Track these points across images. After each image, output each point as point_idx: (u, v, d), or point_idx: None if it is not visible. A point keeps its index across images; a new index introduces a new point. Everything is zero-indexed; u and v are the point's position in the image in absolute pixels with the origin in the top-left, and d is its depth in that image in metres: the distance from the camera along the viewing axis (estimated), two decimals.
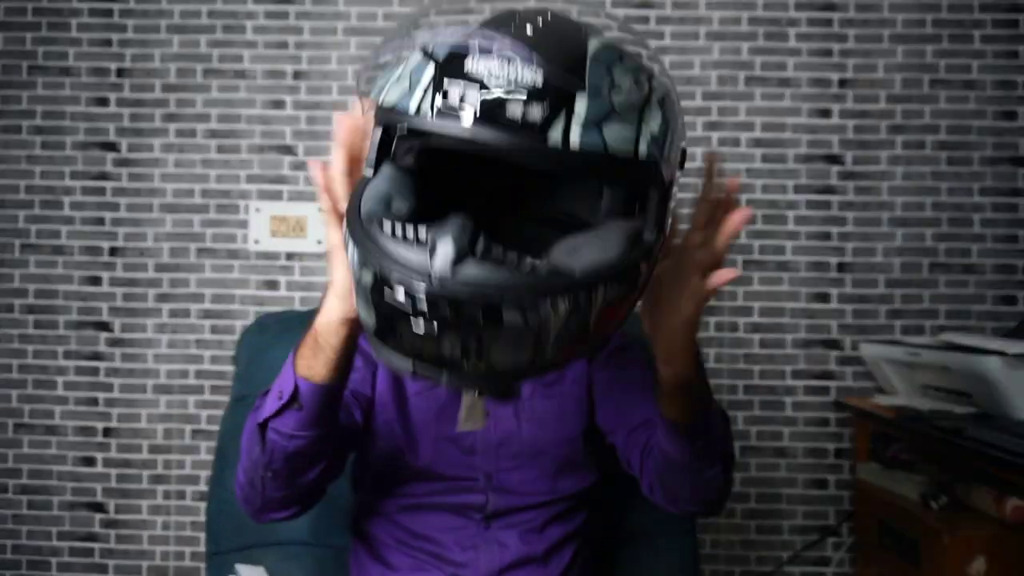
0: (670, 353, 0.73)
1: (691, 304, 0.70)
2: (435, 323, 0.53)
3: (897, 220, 1.79)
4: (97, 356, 1.80)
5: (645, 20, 1.80)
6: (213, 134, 1.82)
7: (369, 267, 0.56)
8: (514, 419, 0.97)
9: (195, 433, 1.79)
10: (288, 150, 1.82)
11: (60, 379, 1.80)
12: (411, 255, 0.54)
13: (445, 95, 0.54)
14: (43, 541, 1.79)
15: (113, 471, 1.79)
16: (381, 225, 0.58)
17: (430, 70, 0.56)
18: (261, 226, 1.80)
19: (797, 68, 1.80)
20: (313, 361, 0.76)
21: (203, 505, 1.75)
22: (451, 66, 0.55)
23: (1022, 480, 1.17)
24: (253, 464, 0.83)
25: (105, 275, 1.81)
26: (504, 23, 0.58)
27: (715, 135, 1.80)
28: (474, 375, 0.57)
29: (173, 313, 1.81)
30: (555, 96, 0.53)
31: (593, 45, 0.58)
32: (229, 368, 1.78)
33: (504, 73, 0.53)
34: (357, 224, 0.60)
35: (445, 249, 0.53)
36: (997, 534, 1.23)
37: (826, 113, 1.80)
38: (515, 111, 0.52)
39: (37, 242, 1.81)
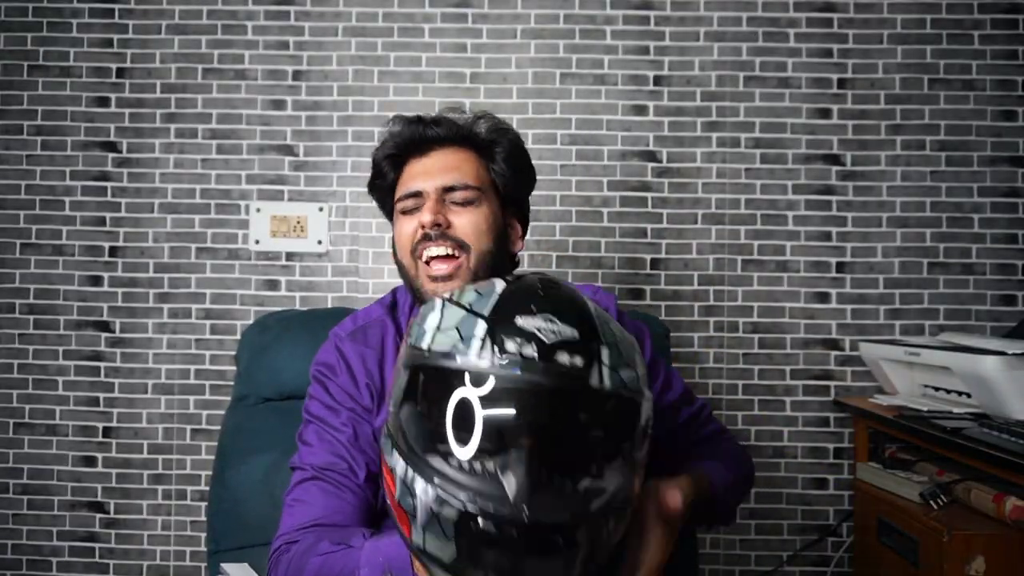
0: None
1: (661, 550, 0.77)
2: (518, 550, 0.60)
3: (896, 220, 1.79)
4: (97, 356, 1.81)
5: (645, 20, 1.80)
6: (213, 134, 1.82)
7: (452, 503, 0.60)
8: None
9: (195, 433, 1.79)
10: (288, 150, 1.82)
11: (60, 379, 1.80)
12: (488, 487, 0.60)
13: (503, 346, 0.62)
14: (43, 541, 1.79)
15: (113, 471, 1.79)
16: (447, 460, 0.63)
17: (482, 325, 0.65)
18: (261, 226, 1.81)
19: (797, 68, 1.80)
20: None
21: (203, 505, 1.75)
22: (504, 323, 0.64)
23: (1021, 480, 1.17)
24: None
25: (105, 275, 1.81)
26: (527, 292, 0.68)
27: (715, 135, 1.80)
28: None
29: (173, 313, 1.81)
30: (589, 347, 0.64)
31: (591, 306, 0.69)
32: (229, 368, 1.78)
33: (549, 327, 0.63)
34: (422, 463, 0.64)
35: (520, 481, 0.59)
36: (996, 534, 1.23)
37: (826, 113, 1.80)
38: (564, 359, 0.62)
39: (38, 242, 1.82)
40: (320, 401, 0.99)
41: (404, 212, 1.00)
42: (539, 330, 0.63)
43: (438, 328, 0.67)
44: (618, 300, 1.79)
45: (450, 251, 0.95)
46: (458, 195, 0.97)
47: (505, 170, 1.02)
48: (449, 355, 0.64)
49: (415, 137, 1.01)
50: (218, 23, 1.82)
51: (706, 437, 1.09)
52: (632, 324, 1.04)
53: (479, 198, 0.98)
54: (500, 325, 0.64)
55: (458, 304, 0.68)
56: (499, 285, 0.69)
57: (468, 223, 0.96)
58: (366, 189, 1.11)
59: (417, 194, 0.98)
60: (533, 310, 0.65)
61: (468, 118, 1.04)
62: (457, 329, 0.65)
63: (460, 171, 0.99)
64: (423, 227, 0.95)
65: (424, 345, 0.67)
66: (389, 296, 1.09)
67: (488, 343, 0.63)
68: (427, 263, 0.96)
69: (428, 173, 0.99)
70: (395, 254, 1.02)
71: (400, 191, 1.01)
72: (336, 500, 0.91)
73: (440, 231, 0.95)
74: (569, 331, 0.64)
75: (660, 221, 1.80)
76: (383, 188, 1.06)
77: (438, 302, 0.71)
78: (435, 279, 0.95)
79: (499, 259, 0.99)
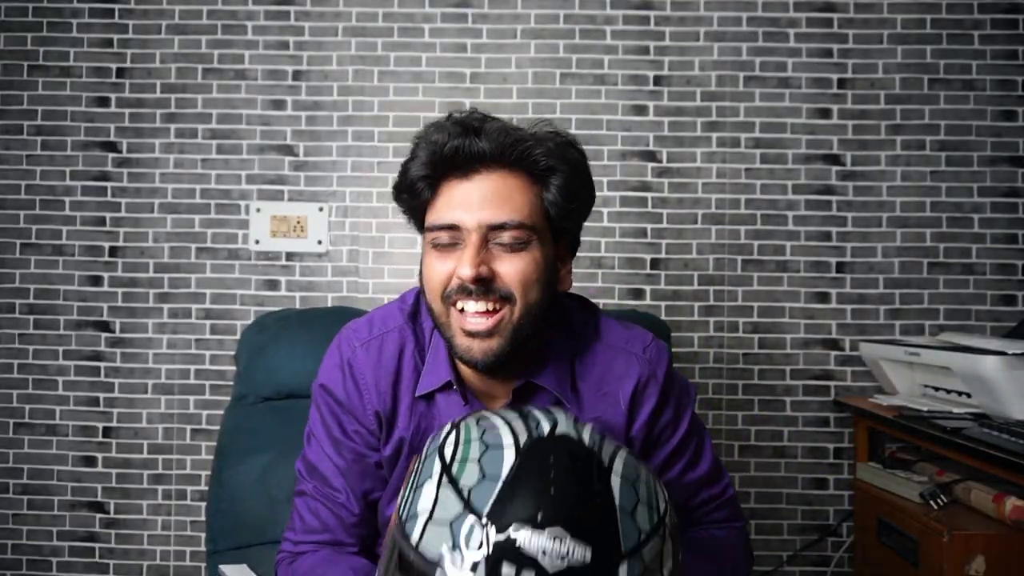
0: None
1: None
2: None
3: (896, 220, 1.79)
4: (97, 356, 1.81)
5: (645, 20, 1.80)
6: (213, 134, 1.82)
7: None
8: None
9: (195, 433, 1.79)
10: (288, 150, 1.82)
11: (60, 379, 1.80)
12: None
13: (497, 571, 0.54)
14: (43, 541, 1.79)
15: (113, 471, 1.79)
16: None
17: (477, 535, 0.55)
18: (261, 226, 1.81)
19: (797, 68, 1.80)
20: None
21: (203, 505, 1.75)
22: (503, 535, 0.54)
23: (1021, 480, 1.17)
24: None
25: (105, 275, 1.81)
26: (538, 479, 0.58)
27: (715, 135, 1.80)
28: None
29: (173, 313, 1.81)
30: (602, 572, 0.55)
31: (617, 493, 0.59)
32: (229, 368, 1.78)
33: (556, 549, 0.54)
34: None
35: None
36: (996, 534, 1.23)
37: (826, 113, 1.80)
38: None
39: (38, 242, 1.82)
40: (325, 429, 0.93)
41: (437, 246, 0.83)
42: (544, 553, 0.54)
43: (430, 518, 0.58)
44: (621, 303, 1.80)
45: (492, 306, 0.81)
46: (506, 236, 0.80)
47: (560, 201, 0.84)
48: (436, 564, 0.56)
49: (459, 153, 0.81)
50: (218, 23, 1.82)
51: (711, 521, 1.00)
52: (680, 382, 0.96)
53: (530, 239, 0.82)
54: (498, 539, 0.55)
55: (455, 489, 0.59)
56: (507, 457, 0.59)
57: (515, 272, 0.81)
58: (391, 192, 0.93)
59: (455, 227, 0.81)
60: (539, 520, 0.55)
61: (522, 132, 0.84)
62: (450, 527, 0.57)
63: (510, 205, 0.81)
64: (463, 280, 0.79)
65: (413, 536, 0.58)
66: (411, 299, 0.95)
67: (481, 568, 0.54)
68: (461, 311, 0.81)
69: (470, 204, 0.81)
70: (420, 287, 0.88)
71: (433, 217, 0.84)
72: (335, 519, 0.91)
73: (480, 285, 0.80)
74: (580, 553, 0.54)
75: (660, 221, 1.80)
76: (414, 206, 0.88)
77: (436, 467, 0.61)
78: (471, 335, 0.81)
79: (546, 307, 0.84)
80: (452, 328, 0.83)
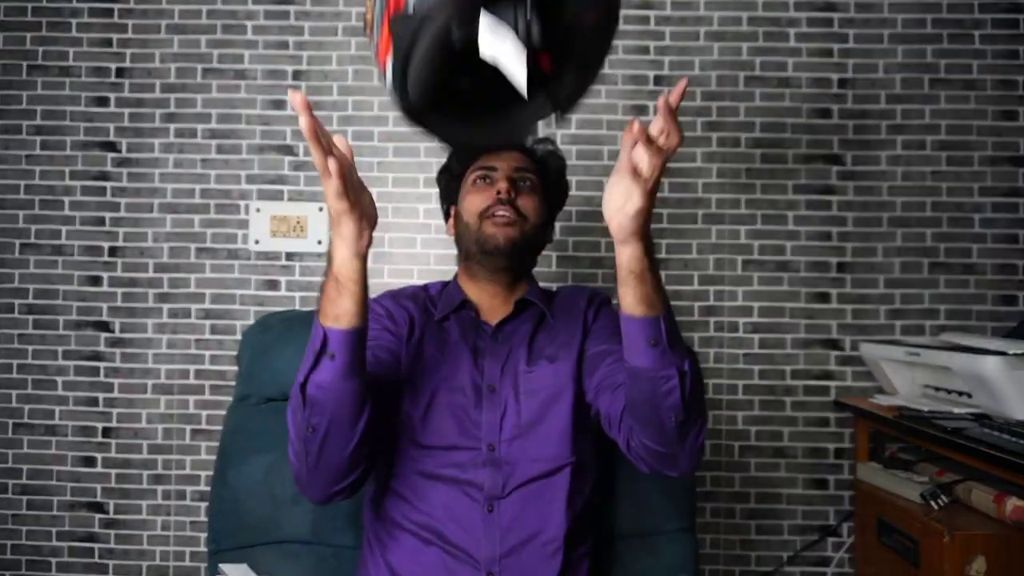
0: (624, 234, 0.83)
1: (641, 193, 0.81)
2: None
3: (897, 220, 1.79)
4: (97, 356, 1.80)
5: (645, 20, 1.80)
6: (213, 134, 1.82)
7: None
8: (512, 395, 1.07)
9: (195, 433, 1.79)
10: (288, 150, 1.82)
11: (60, 379, 1.80)
12: None
13: None
14: (43, 541, 1.79)
15: (113, 471, 1.79)
16: None
17: None
18: (261, 226, 1.80)
19: (797, 68, 1.80)
20: (338, 302, 0.86)
21: (203, 505, 1.75)
22: None
23: (1022, 480, 1.17)
24: (300, 434, 0.91)
25: (105, 275, 1.81)
26: None
27: (715, 135, 1.80)
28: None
29: (173, 313, 1.81)
30: None
31: None
32: (229, 368, 1.78)
33: None
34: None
35: None
36: (997, 534, 1.23)
37: (826, 113, 1.80)
38: None
39: (37, 242, 1.81)
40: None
41: (476, 183, 1.16)
42: None
43: None
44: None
45: (514, 216, 1.11)
46: (526, 177, 1.16)
47: (550, 182, 1.22)
48: None
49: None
50: (218, 23, 1.82)
51: None
52: None
53: (537, 188, 1.17)
54: None
55: None
56: None
57: (530, 204, 1.14)
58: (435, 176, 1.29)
59: (492, 168, 1.15)
60: None
61: (529, 142, 1.22)
62: None
63: (527, 165, 1.18)
64: (499, 193, 1.11)
65: None
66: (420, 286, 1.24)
67: None
68: (491, 216, 1.11)
69: (502, 158, 1.17)
70: (456, 225, 1.18)
71: (475, 166, 1.18)
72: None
73: (510, 199, 1.12)
74: None
75: (661, 221, 1.79)
76: (458, 174, 1.21)
77: None
78: (499, 225, 1.10)
79: (540, 239, 1.18)
80: (484, 227, 1.11)
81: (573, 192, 1.80)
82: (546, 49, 0.68)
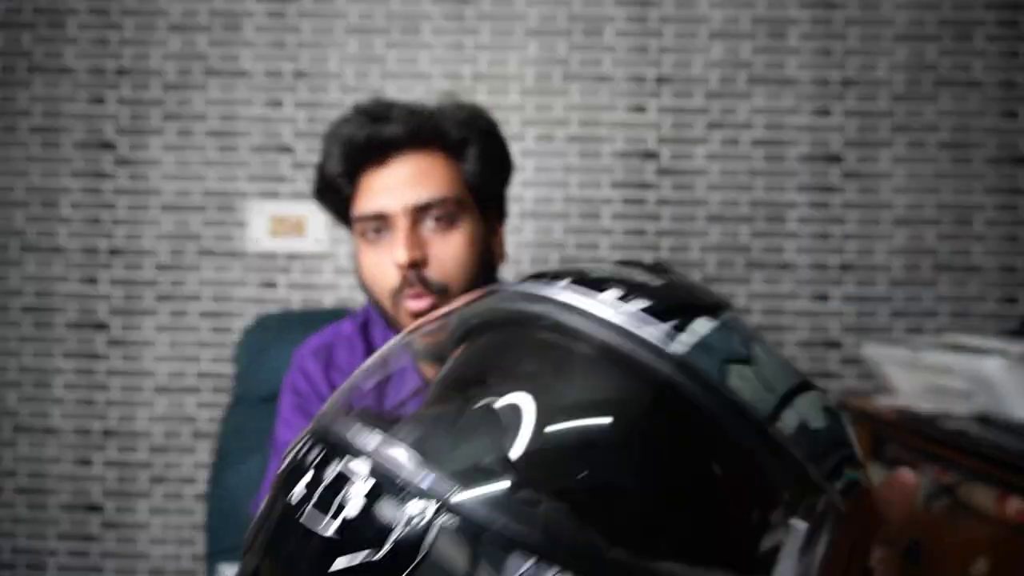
0: None
1: None
2: None
3: (899, 220, 1.78)
4: (95, 356, 1.80)
5: (645, 19, 1.80)
6: (212, 134, 1.81)
7: None
8: None
9: (194, 434, 1.79)
10: (288, 150, 1.81)
11: (58, 380, 1.80)
12: None
13: None
14: (41, 542, 1.78)
15: (111, 472, 1.79)
16: None
17: None
18: (261, 226, 1.80)
19: (798, 67, 1.79)
20: None
21: (202, 506, 1.74)
22: None
23: None
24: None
25: (103, 275, 1.81)
26: None
27: (715, 135, 1.79)
28: None
29: (172, 313, 1.80)
30: None
31: None
32: (229, 368, 1.78)
33: None
34: None
35: None
36: (999, 535, 1.23)
37: (827, 113, 1.79)
38: None
39: (35, 242, 1.81)
40: (288, 409, 0.97)
41: (368, 239, 0.84)
42: None
43: None
44: None
45: (430, 295, 0.81)
46: (434, 213, 0.82)
47: (479, 170, 0.86)
48: None
49: (371, 141, 0.84)
50: (217, 22, 1.82)
51: None
52: None
53: (457, 214, 0.83)
54: None
55: None
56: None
57: (450, 257, 0.82)
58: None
59: (381, 215, 0.82)
60: None
61: (430, 110, 0.87)
62: None
63: (432, 183, 0.82)
64: (399, 267, 0.80)
65: None
66: (361, 315, 0.99)
67: None
68: (404, 301, 0.83)
69: (391, 189, 0.81)
70: (362, 283, 0.88)
71: (359, 209, 0.84)
72: None
73: (417, 274, 0.80)
74: None
75: (660, 221, 1.79)
76: (338, 204, 0.89)
77: None
78: (413, 313, 0.81)
79: (484, 280, 0.86)
80: (399, 316, 0.83)
81: (573, 192, 1.80)
82: None
